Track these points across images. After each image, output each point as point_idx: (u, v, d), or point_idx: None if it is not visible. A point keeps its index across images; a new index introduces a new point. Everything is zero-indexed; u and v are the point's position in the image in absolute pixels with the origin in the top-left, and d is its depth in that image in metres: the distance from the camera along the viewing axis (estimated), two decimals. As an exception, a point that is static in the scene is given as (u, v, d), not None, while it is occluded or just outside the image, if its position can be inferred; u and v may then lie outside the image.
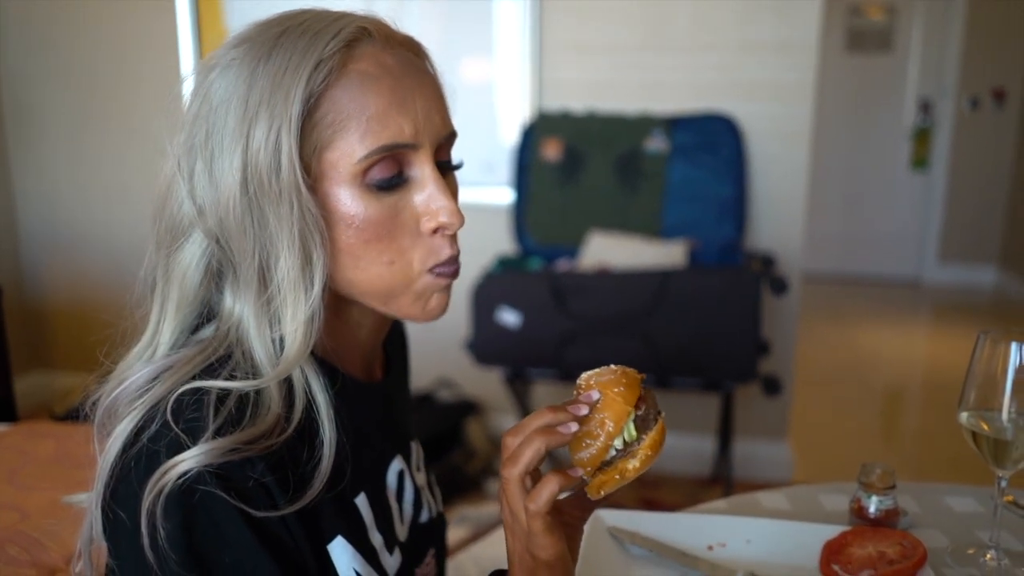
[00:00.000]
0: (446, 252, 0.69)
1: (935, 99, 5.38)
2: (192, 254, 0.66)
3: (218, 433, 0.60)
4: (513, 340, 2.31)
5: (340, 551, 0.68)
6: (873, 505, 0.89)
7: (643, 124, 2.74)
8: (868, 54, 5.50)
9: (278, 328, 0.65)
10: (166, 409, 0.61)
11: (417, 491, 0.82)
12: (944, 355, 4.20)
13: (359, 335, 0.74)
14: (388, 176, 0.65)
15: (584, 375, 0.66)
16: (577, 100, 2.83)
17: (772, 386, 2.33)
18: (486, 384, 2.87)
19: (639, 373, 0.66)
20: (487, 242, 2.89)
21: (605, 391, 0.63)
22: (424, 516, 0.83)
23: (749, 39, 2.70)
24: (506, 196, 2.91)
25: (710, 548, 0.88)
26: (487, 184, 2.95)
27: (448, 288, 0.71)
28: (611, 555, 0.86)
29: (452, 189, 0.70)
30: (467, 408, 2.92)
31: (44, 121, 3.29)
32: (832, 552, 0.84)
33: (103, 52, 3.18)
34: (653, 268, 2.30)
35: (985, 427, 0.84)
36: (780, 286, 2.28)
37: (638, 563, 0.86)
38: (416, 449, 0.86)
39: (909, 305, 5.17)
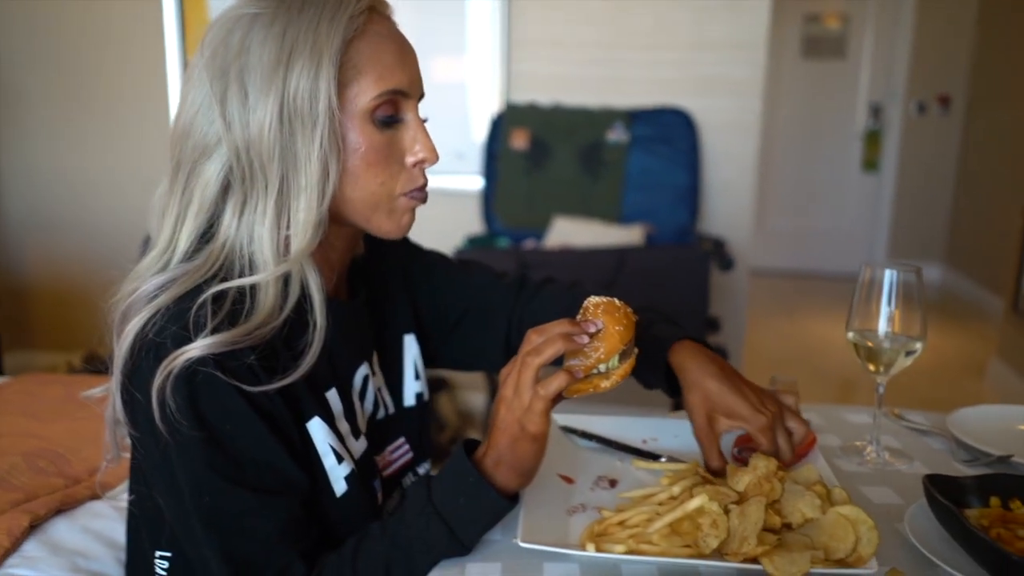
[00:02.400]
0: (420, 180, 0.87)
1: (885, 103, 5.66)
2: (214, 168, 0.81)
3: (217, 329, 0.75)
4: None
5: (317, 428, 0.84)
6: (779, 409, 1.08)
7: (605, 117, 2.93)
8: (823, 60, 5.77)
9: (286, 230, 0.80)
10: (171, 307, 0.77)
11: (376, 393, 0.98)
12: (888, 344, 4.43)
13: (331, 256, 0.90)
14: (389, 115, 0.83)
15: (593, 300, 0.84)
16: (544, 94, 3.02)
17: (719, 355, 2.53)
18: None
19: (634, 314, 0.84)
20: (458, 226, 3.06)
21: (608, 324, 0.81)
22: (380, 414, 0.99)
23: (704, 38, 2.91)
24: (476, 183, 3.08)
25: (644, 441, 1.06)
26: (458, 172, 3.12)
27: (414, 210, 0.89)
28: (563, 445, 1.03)
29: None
30: (438, 384, 3.09)
31: (28, 103, 3.38)
32: (742, 442, 1.02)
33: (88, 37, 3.29)
34: (612, 246, 2.49)
35: (869, 344, 1.03)
36: (727, 263, 2.49)
37: (584, 452, 1.03)
38: (375, 358, 1.00)
39: (859, 299, 5.41)
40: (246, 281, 0.79)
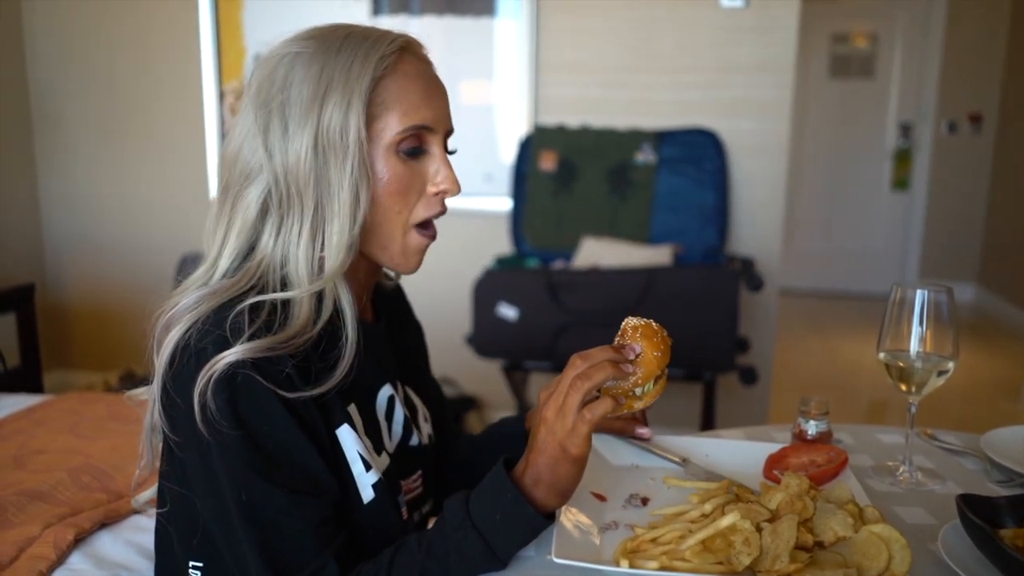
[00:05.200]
0: (437, 208, 0.92)
1: (915, 123, 5.63)
2: (255, 192, 0.87)
3: (254, 336, 0.80)
4: (511, 333, 2.51)
5: (346, 435, 0.88)
6: (811, 428, 1.09)
7: (633, 138, 2.95)
8: (851, 79, 5.76)
9: (320, 251, 0.86)
10: (211, 316, 0.82)
11: (407, 418, 1.02)
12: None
13: (358, 277, 0.95)
14: (413, 147, 0.89)
15: (632, 322, 0.87)
16: (572, 116, 3.05)
17: (749, 376, 2.53)
18: (485, 382, 3.06)
19: (669, 337, 0.87)
20: (487, 247, 3.10)
21: (646, 349, 0.84)
22: (414, 440, 1.03)
23: (731, 60, 2.93)
24: (505, 204, 3.11)
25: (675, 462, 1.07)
26: (487, 194, 3.16)
27: (424, 251, 0.94)
28: (595, 464, 1.04)
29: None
30: (468, 403, 3.11)
31: (69, 130, 3.49)
32: (774, 462, 1.03)
33: (126, 64, 3.40)
34: (640, 266, 2.51)
35: (900, 364, 1.04)
36: (756, 283, 2.49)
37: (616, 470, 1.04)
38: (402, 388, 1.05)
39: (891, 319, 5.35)
40: (282, 296, 0.84)
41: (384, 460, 0.94)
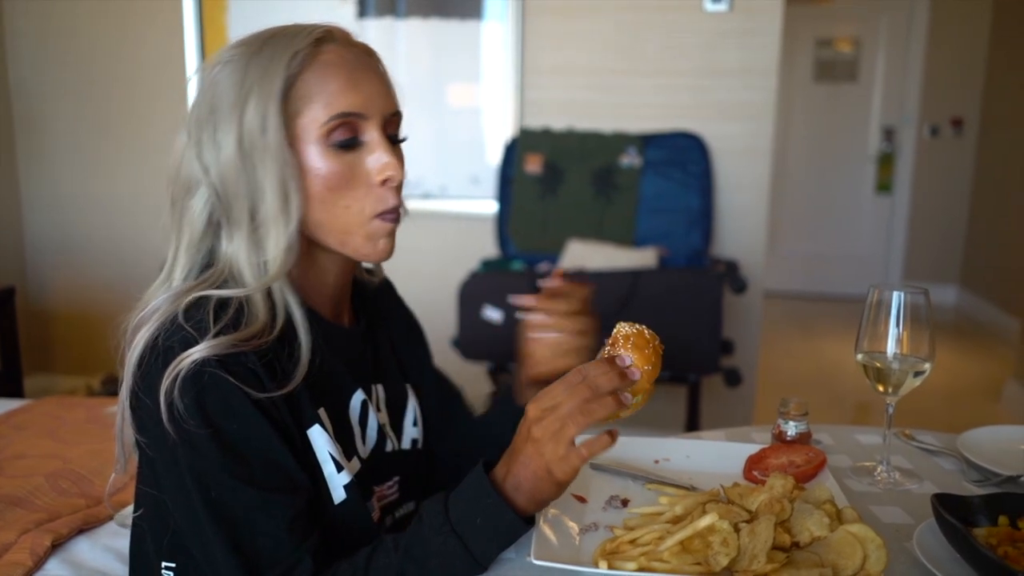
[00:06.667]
0: (391, 201, 0.89)
1: (898, 126, 5.67)
2: (198, 204, 0.87)
3: (219, 333, 0.80)
4: (496, 336, 2.50)
5: (317, 435, 0.87)
6: (790, 429, 1.09)
7: (618, 141, 2.96)
8: (835, 83, 5.80)
9: (263, 255, 0.86)
10: (177, 316, 0.82)
11: (380, 424, 1.01)
12: (905, 366, 4.41)
13: (327, 280, 0.95)
14: (345, 138, 0.86)
15: (623, 330, 0.84)
16: (557, 119, 3.06)
17: (733, 378, 2.54)
18: (470, 385, 3.05)
19: (661, 344, 0.85)
20: (473, 250, 3.09)
21: (637, 362, 0.82)
22: (388, 447, 1.02)
23: (715, 64, 2.94)
24: (491, 207, 3.11)
25: (656, 462, 1.07)
26: (473, 197, 3.16)
27: (392, 233, 0.92)
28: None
29: (397, 153, 0.91)
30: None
31: (50, 132, 3.46)
32: (754, 462, 1.04)
33: (108, 66, 3.37)
34: (625, 269, 2.51)
35: (877, 365, 1.04)
36: (741, 286, 2.50)
37: (597, 472, 1.05)
38: (377, 391, 1.03)
39: (875, 322, 5.39)
40: (229, 293, 0.84)
41: (355, 465, 0.94)
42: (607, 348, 0.85)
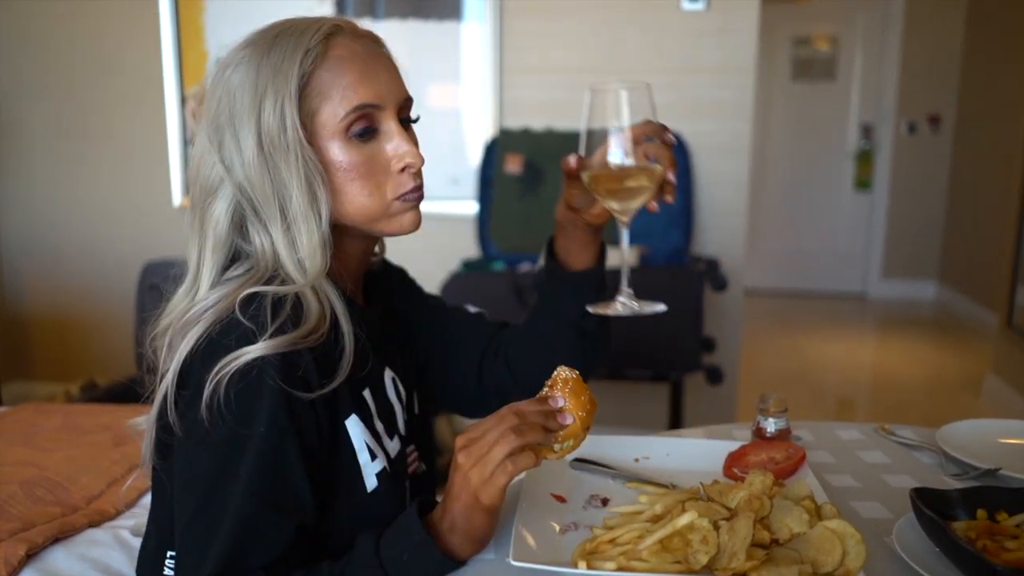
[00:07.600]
0: (410, 184, 0.90)
1: (876, 124, 5.72)
2: (221, 206, 0.87)
3: (278, 331, 0.80)
4: (478, 336, 2.50)
5: (353, 425, 0.88)
6: (769, 426, 1.09)
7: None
8: (813, 82, 5.84)
9: (298, 251, 0.86)
10: (234, 311, 0.81)
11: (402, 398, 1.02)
12: (888, 363, 4.46)
13: (351, 264, 0.96)
14: (363, 128, 0.87)
15: (563, 374, 0.85)
16: (537, 119, 3.06)
17: (715, 375, 2.54)
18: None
19: (595, 398, 0.85)
20: (454, 250, 3.08)
21: (573, 407, 0.83)
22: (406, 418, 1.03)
23: (693, 63, 2.95)
24: (471, 208, 3.11)
25: (636, 460, 1.07)
26: (453, 197, 3.15)
27: (416, 207, 0.93)
28: (554, 465, 1.04)
29: (412, 138, 0.92)
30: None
31: (26, 135, 3.42)
32: (734, 459, 1.04)
33: (86, 68, 3.33)
34: (606, 268, 2.51)
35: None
36: (721, 283, 2.50)
37: (576, 471, 1.04)
38: (396, 365, 1.04)
39: (855, 318, 5.45)
40: (285, 290, 0.84)
41: (395, 445, 0.96)
42: (545, 389, 0.86)
